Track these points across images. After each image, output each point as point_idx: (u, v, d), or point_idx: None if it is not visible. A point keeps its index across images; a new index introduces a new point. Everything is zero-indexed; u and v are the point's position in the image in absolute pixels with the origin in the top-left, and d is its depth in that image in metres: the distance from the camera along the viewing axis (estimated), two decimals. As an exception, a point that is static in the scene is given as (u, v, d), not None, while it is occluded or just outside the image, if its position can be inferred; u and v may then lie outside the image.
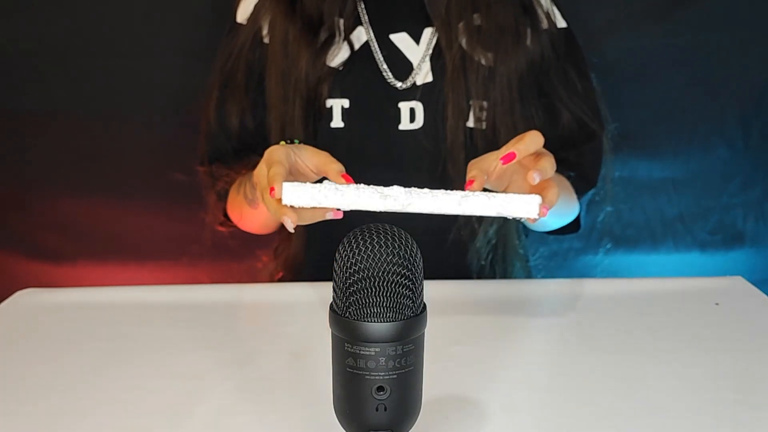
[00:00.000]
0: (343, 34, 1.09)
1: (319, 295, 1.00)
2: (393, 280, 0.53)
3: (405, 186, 0.66)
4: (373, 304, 0.53)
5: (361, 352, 0.54)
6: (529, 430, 0.70)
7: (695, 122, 1.40)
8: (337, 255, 0.55)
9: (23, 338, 0.90)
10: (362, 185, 0.64)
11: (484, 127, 1.08)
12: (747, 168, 1.43)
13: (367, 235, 0.54)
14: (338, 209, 0.67)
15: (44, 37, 1.35)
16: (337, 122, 1.08)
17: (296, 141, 0.83)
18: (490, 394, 0.75)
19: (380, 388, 0.55)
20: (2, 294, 1.01)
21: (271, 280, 1.24)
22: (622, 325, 0.92)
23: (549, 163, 0.76)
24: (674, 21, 1.35)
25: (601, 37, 1.34)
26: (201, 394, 0.75)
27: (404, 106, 1.09)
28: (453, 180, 1.07)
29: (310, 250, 1.17)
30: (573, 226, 1.16)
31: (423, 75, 1.09)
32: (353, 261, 0.53)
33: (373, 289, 0.53)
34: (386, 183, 0.66)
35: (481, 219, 1.11)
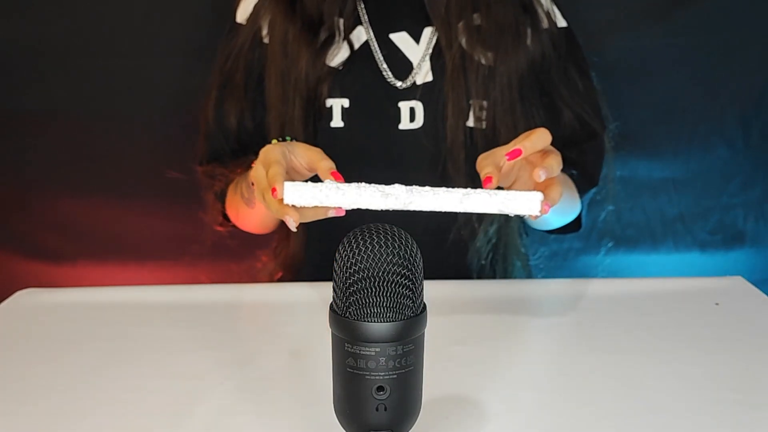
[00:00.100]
0: (342, 34, 1.09)
1: (319, 295, 1.00)
2: (393, 280, 0.53)
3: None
4: (373, 304, 0.53)
5: (361, 352, 0.54)
6: (529, 430, 0.70)
7: (695, 122, 1.40)
8: (337, 255, 0.55)
9: (23, 338, 0.90)
10: (363, 184, 0.64)
11: (484, 126, 1.08)
12: (747, 168, 1.43)
13: (367, 235, 0.54)
14: (340, 207, 0.67)
15: (44, 37, 1.35)
16: (337, 122, 1.08)
17: (288, 138, 0.83)
18: (490, 394, 0.75)
19: (380, 388, 0.55)
20: (2, 294, 1.01)
21: (271, 280, 1.24)
22: (622, 325, 0.92)
23: (556, 161, 0.76)
24: (674, 21, 1.35)
25: (601, 37, 1.34)
26: (201, 394, 0.75)
27: (404, 106, 1.09)
28: (453, 179, 1.07)
29: (310, 250, 1.17)
30: (574, 225, 1.16)
31: (423, 74, 1.09)
32: (353, 261, 0.53)
33: (373, 289, 0.53)
34: (386, 182, 0.66)
35: (481, 218, 1.11)
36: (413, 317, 0.54)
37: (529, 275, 1.24)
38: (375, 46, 1.09)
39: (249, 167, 0.94)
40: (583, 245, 1.45)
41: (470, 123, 1.07)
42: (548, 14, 1.12)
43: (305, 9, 1.08)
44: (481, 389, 0.76)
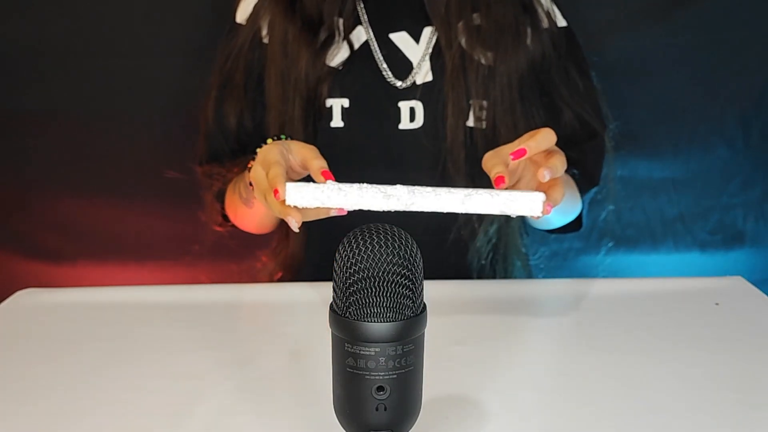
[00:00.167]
0: (342, 34, 1.09)
1: (319, 295, 1.00)
2: (393, 280, 0.53)
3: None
4: (373, 304, 0.53)
5: (361, 352, 0.54)
6: (529, 430, 0.70)
7: (695, 122, 1.40)
8: (337, 255, 0.55)
9: (23, 338, 0.90)
10: (365, 185, 0.64)
11: (484, 126, 1.08)
12: (747, 168, 1.43)
13: (367, 235, 0.54)
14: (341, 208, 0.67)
15: (44, 37, 1.35)
16: (336, 122, 1.08)
17: (283, 137, 0.83)
18: (490, 394, 0.75)
19: (380, 388, 0.54)
20: (2, 294, 1.01)
21: (271, 280, 1.24)
22: (622, 325, 0.92)
23: (560, 161, 0.76)
24: (674, 21, 1.35)
25: (602, 37, 1.34)
26: (201, 394, 0.75)
27: (404, 106, 1.09)
28: (453, 179, 1.07)
29: (310, 250, 1.17)
30: (575, 225, 1.16)
31: (423, 74, 1.09)
32: (353, 261, 0.53)
33: (373, 289, 0.53)
34: (386, 182, 0.66)
35: (481, 218, 1.11)
36: (413, 317, 0.54)
37: (530, 275, 1.24)
38: (375, 46, 1.09)
39: (245, 167, 0.94)
40: (583, 245, 1.45)
41: (470, 123, 1.07)
42: (548, 14, 1.12)
43: (305, 9, 1.08)
44: (481, 389, 0.76)
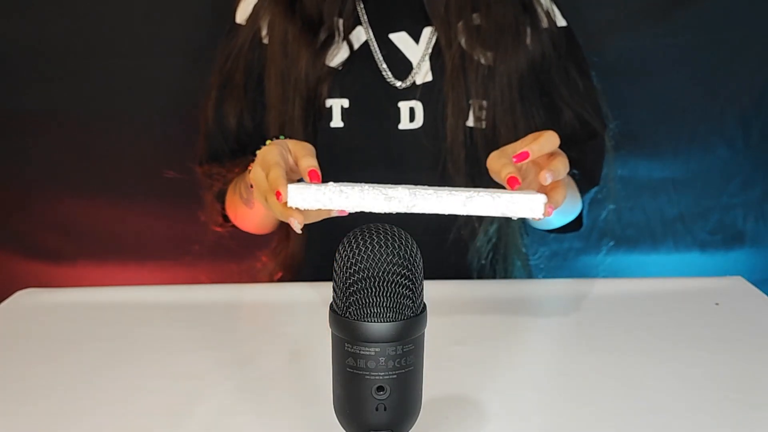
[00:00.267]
0: (342, 34, 1.09)
1: (319, 295, 1.00)
2: (393, 280, 0.53)
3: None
4: (373, 304, 0.53)
5: (361, 352, 0.54)
6: (529, 430, 0.70)
7: (695, 122, 1.40)
8: (337, 255, 0.55)
9: (23, 338, 0.90)
10: (366, 186, 0.64)
11: (484, 126, 1.07)
12: (747, 168, 1.43)
13: (367, 235, 0.54)
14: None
15: (44, 37, 1.35)
16: (336, 122, 1.08)
17: (282, 137, 0.83)
18: (490, 394, 0.75)
19: (380, 388, 0.54)
20: (2, 294, 1.01)
21: (271, 280, 1.24)
22: (622, 325, 0.92)
23: (562, 163, 0.76)
24: (674, 21, 1.35)
25: (602, 37, 1.34)
26: (201, 394, 0.75)
27: (404, 106, 1.09)
28: (453, 179, 1.07)
29: (310, 250, 1.17)
30: (575, 224, 1.16)
31: (422, 74, 1.09)
32: (353, 261, 0.53)
33: (373, 289, 0.53)
34: (386, 182, 0.66)
35: (481, 218, 1.11)
36: (413, 317, 0.54)
37: (530, 275, 1.24)
38: (375, 46, 1.09)
39: (246, 168, 0.94)
40: (583, 245, 1.45)
41: (470, 123, 1.07)
42: (548, 14, 1.12)
43: (305, 9, 1.08)
44: (481, 389, 0.76)
